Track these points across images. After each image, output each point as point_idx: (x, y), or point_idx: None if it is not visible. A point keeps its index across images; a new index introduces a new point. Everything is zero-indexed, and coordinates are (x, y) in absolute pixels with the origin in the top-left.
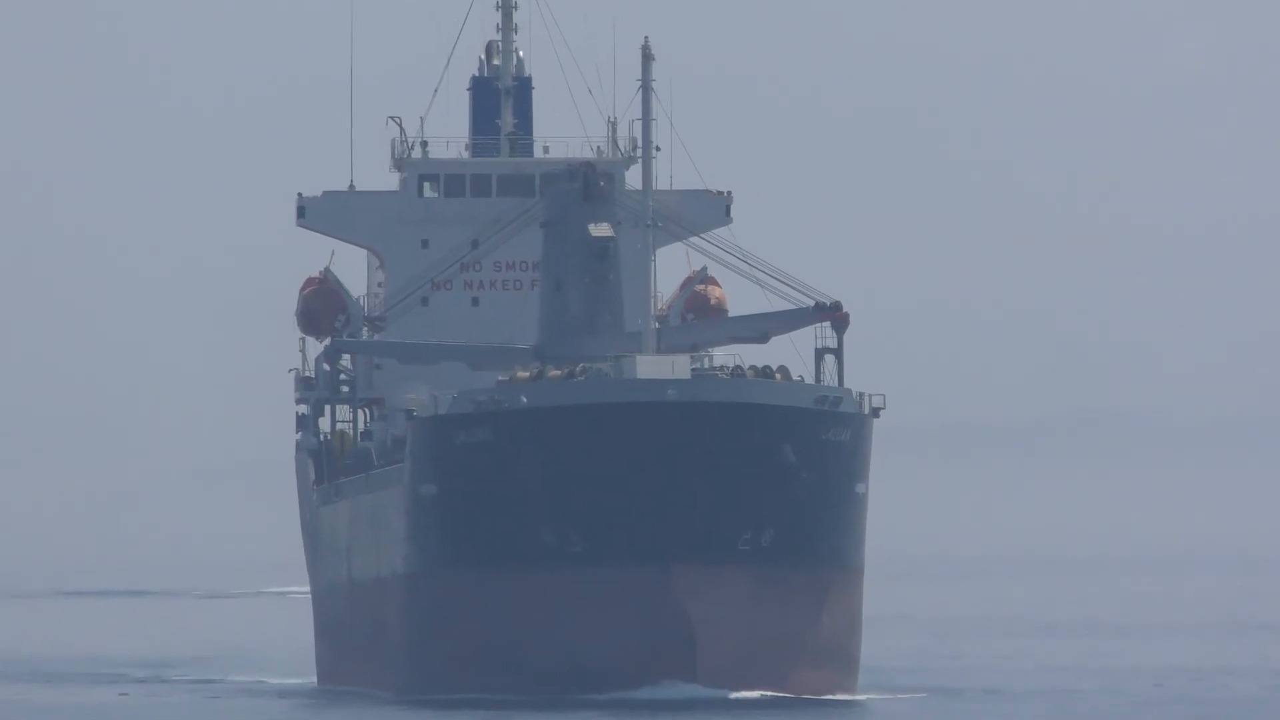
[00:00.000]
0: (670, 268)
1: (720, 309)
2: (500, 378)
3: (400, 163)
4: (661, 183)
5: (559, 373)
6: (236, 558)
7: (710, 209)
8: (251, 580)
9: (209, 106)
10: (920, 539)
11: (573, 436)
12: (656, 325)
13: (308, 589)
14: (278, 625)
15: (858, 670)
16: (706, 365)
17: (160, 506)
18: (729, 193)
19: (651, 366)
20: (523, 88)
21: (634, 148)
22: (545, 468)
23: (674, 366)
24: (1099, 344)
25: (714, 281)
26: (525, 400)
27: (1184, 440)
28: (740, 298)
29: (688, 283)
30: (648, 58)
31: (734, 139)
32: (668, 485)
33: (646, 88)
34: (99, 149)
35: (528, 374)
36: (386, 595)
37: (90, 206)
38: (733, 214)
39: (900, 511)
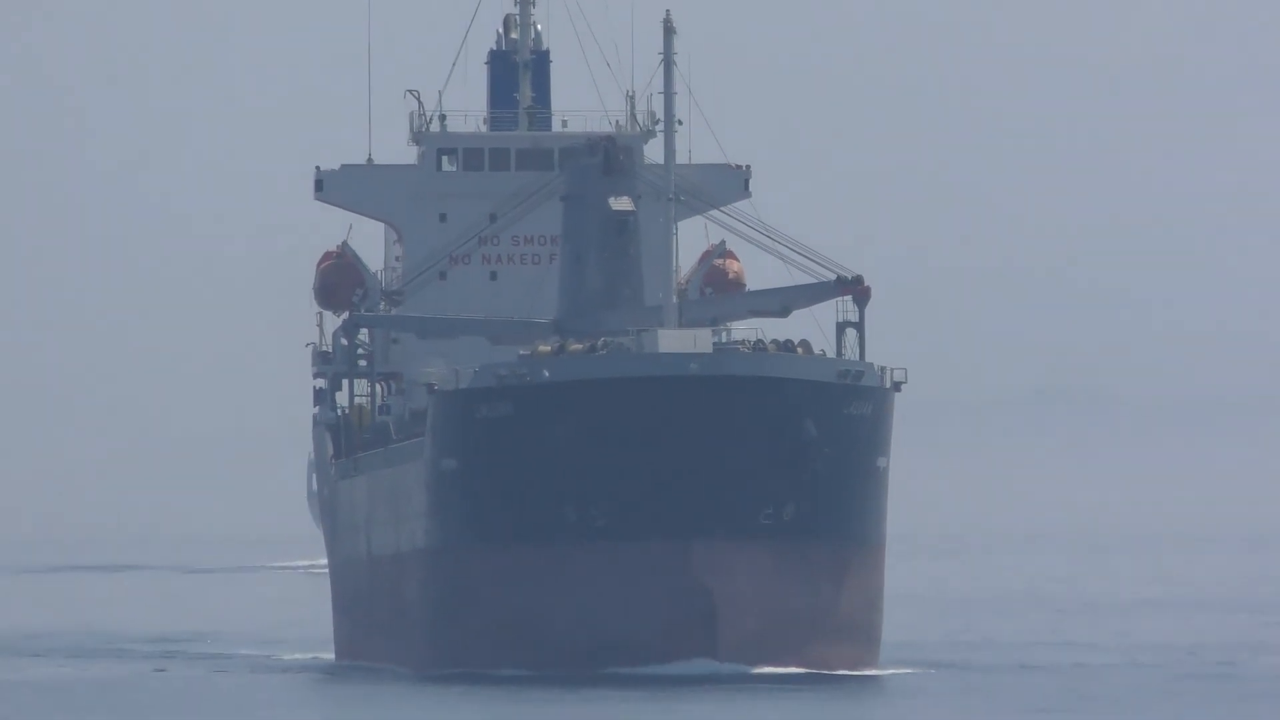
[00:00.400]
0: (688, 242)
1: (738, 283)
2: (522, 351)
3: (418, 136)
4: (680, 157)
5: (581, 347)
6: (221, 532)
7: (729, 183)
8: (236, 556)
9: (227, 80)
10: (938, 514)
11: (595, 411)
12: (676, 299)
13: (296, 564)
14: (273, 599)
15: (879, 646)
16: (725, 339)
17: (151, 480)
18: (748, 167)
19: (674, 340)
20: (541, 61)
21: (653, 121)
22: (567, 442)
23: (696, 340)
24: (1121, 317)
25: (732, 255)
26: (547, 374)
27: (1209, 414)
28: (758, 271)
29: (706, 257)
30: (669, 31)
31: (753, 112)
32: (690, 460)
33: (668, 61)
34: (116, 123)
35: (549, 348)
36: (407, 570)
37: (109, 182)
38: (751, 188)
39: (919, 486)
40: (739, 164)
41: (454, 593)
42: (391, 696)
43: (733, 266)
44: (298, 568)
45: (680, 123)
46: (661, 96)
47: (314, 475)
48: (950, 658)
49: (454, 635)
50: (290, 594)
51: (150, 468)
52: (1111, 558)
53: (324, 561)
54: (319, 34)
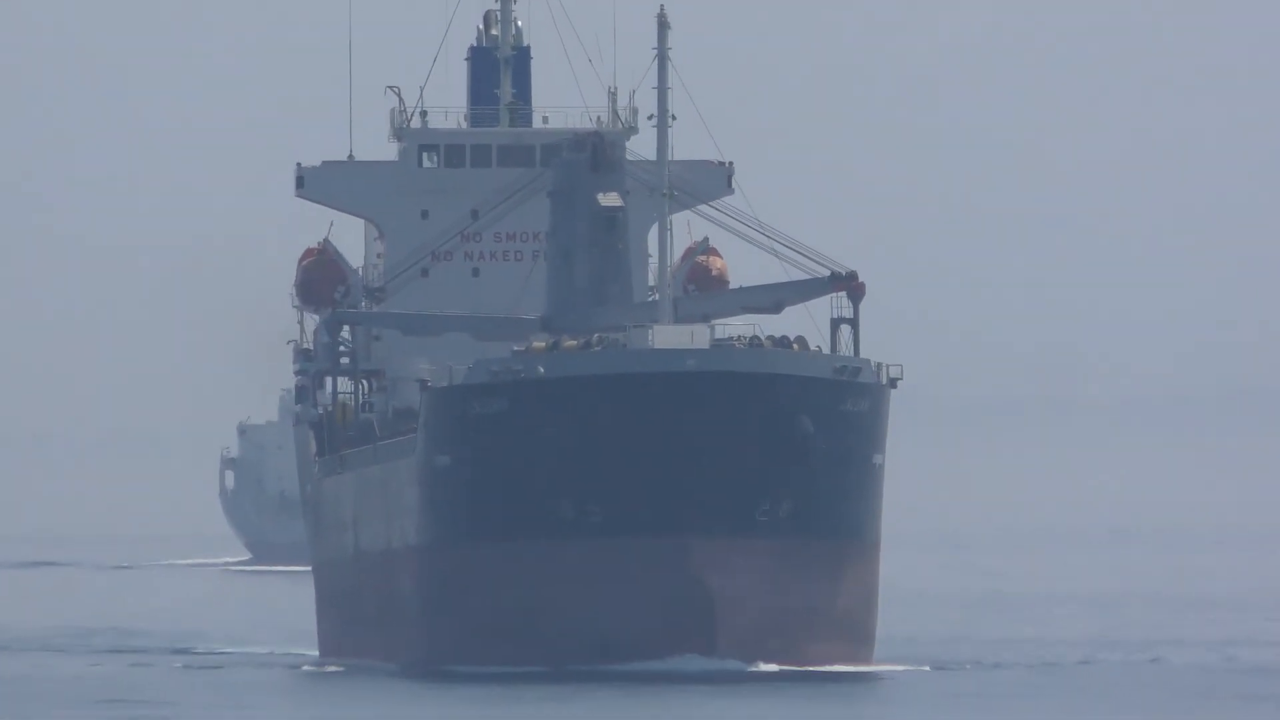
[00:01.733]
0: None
1: (722, 280)
2: (516, 348)
3: (399, 133)
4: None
5: (575, 343)
6: (119, 530)
7: (712, 179)
8: (138, 553)
9: (207, 77)
10: (931, 512)
11: (591, 407)
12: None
13: (218, 560)
14: (220, 597)
15: (874, 642)
16: (717, 335)
17: (45, 477)
18: (730, 163)
19: (669, 336)
20: (521, 57)
21: (634, 117)
22: (563, 438)
23: (693, 336)
24: (1114, 315)
25: (715, 252)
26: (542, 370)
27: (1199, 411)
28: (741, 268)
29: (689, 254)
30: (663, 25)
31: (737, 107)
32: (686, 456)
33: (663, 56)
34: (96, 119)
35: (543, 344)
36: (398, 566)
37: (89, 178)
38: (736, 184)
39: (912, 483)
40: (721, 160)
41: (448, 589)
42: (385, 692)
43: (716, 263)
44: (211, 565)
45: (674, 118)
46: (647, 92)
47: (228, 472)
48: (945, 655)
49: (448, 631)
50: (231, 590)
51: (49, 464)
52: (1111, 553)
53: (239, 559)
54: (300, 31)
